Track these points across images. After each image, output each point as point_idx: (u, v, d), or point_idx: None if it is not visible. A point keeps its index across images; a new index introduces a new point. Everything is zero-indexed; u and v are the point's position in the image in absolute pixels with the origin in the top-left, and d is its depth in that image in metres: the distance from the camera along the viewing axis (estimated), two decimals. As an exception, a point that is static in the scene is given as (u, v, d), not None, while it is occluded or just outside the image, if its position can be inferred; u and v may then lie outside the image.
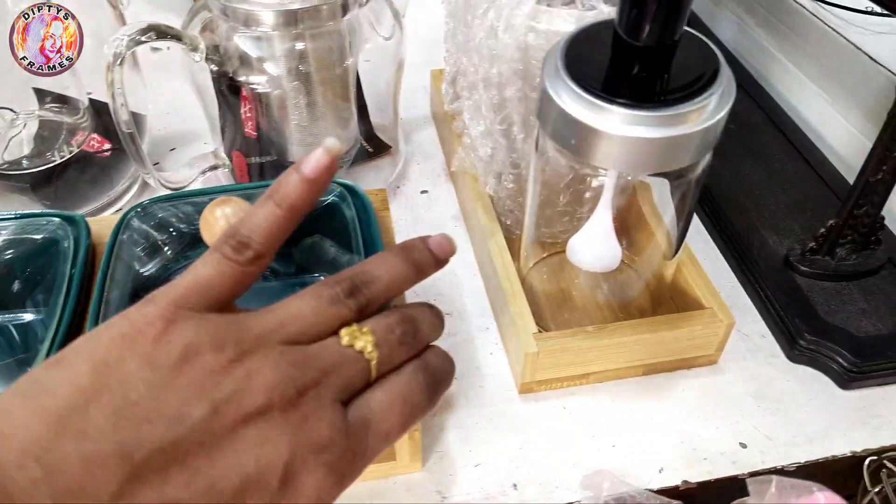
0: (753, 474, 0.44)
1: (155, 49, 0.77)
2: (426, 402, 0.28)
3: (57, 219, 0.44)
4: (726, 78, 0.37)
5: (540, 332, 0.47)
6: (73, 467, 0.20)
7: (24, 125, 0.61)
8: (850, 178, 0.50)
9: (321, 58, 0.53)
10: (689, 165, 0.39)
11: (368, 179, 0.63)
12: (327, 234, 0.45)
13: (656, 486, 0.44)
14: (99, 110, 0.61)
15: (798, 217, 0.58)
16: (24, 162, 0.58)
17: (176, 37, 0.50)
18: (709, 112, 0.36)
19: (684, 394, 0.49)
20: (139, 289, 0.43)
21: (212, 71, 0.53)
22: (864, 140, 0.63)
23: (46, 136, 0.61)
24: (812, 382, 0.50)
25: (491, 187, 0.55)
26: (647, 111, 0.35)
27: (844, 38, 0.65)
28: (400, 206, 0.64)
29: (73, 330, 0.39)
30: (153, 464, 0.20)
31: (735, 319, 0.49)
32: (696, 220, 0.62)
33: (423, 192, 0.65)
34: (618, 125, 0.36)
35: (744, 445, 0.46)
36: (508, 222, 0.56)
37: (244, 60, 0.52)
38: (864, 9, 0.64)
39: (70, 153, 0.59)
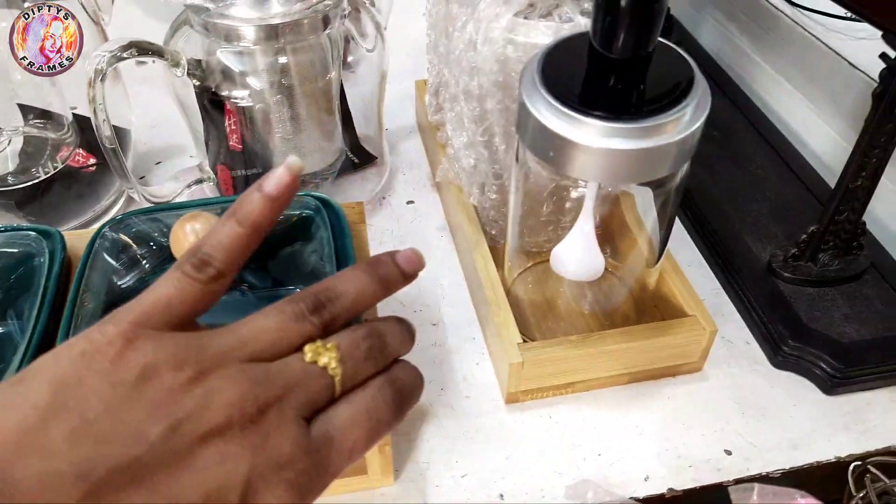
0: (739, 481, 0.45)
1: (140, 63, 0.78)
2: (392, 417, 0.28)
3: (33, 233, 0.44)
4: (701, 88, 0.37)
5: (525, 341, 0.47)
6: (29, 486, 0.20)
7: (9, 141, 0.61)
8: (833, 184, 0.51)
9: (303, 71, 0.53)
10: (667, 175, 0.40)
11: (354, 190, 0.64)
12: (301, 248, 0.45)
13: (642, 494, 0.44)
14: (83, 125, 0.61)
15: (781, 223, 0.59)
16: (10, 178, 0.58)
17: (157, 53, 0.50)
18: (685, 122, 0.36)
19: (669, 402, 0.49)
20: (116, 301, 0.43)
21: (195, 85, 0.53)
22: (846, 145, 0.63)
23: (31, 152, 0.61)
24: (796, 388, 0.50)
25: (475, 198, 0.55)
26: (623, 123, 0.35)
27: (825, 43, 0.65)
28: (386, 216, 0.64)
29: (45, 343, 0.39)
30: (111, 483, 0.21)
31: (718, 327, 0.49)
32: (680, 227, 0.62)
33: (410, 202, 0.65)
34: (595, 137, 0.36)
35: (729, 452, 0.46)
36: (493, 232, 0.56)
37: (227, 75, 0.52)
38: (844, 14, 0.65)
39: (55, 169, 0.59)
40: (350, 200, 0.51)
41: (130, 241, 0.44)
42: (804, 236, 0.53)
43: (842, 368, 0.49)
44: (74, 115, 0.61)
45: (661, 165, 0.38)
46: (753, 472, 0.45)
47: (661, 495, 0.44)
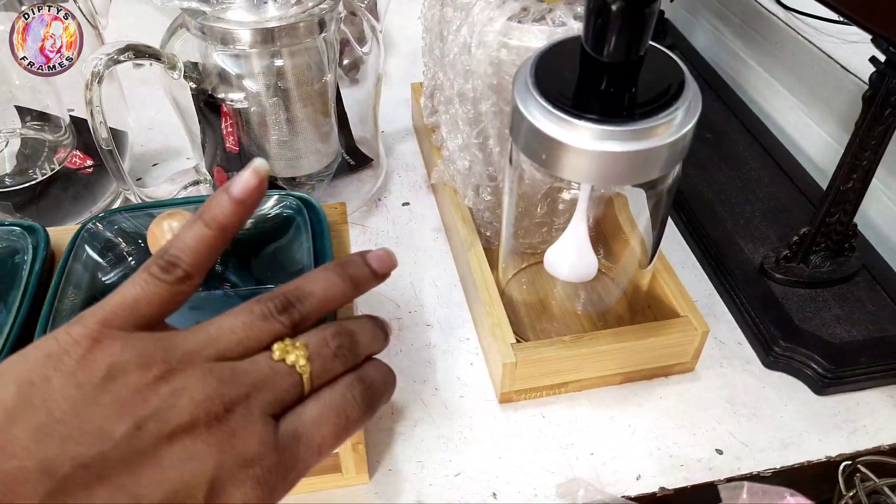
0: (730, 480, 0.45)
1: (138, 65, 0.78)
2: (360, 414, 0.28)
3: (17, 228, 0.45)
4: (692, 91, 0.38)
5: (518, 342, 0.47)
6: None
7: (6, 143, 0.61)
8: (825, 185, 0.51)
9: (299, 74, 0.54)
10: (659, 177, 0.40)
11: (350, 192, 0.64)
12: (282, 248, 0.46)
13: (634, 493, 0.45)
14: (80, 127, 0.61)
15: (773, 225, 0.59)
16: (7, 180, 0.59)
17: (154, 56, 0.50)
18: (676, 125, 0.37)
19: (662, 401, 0.50)
20: (99, 297, 0.43)
21: (191, 88, 0.53)
22: (837, 147, 0.64)
23: (28, 153, 0.61)
24: (787, 389, 0.51)
25: (470, 199, 0.56)
26: (615, 126, 0.36)
27: (817, 47, 0.66)
28: (381, 218, 0.64)
29: (24, 337, 0.39)
30: (76, 480, 0.21)
31: (711, 327, 0.49)
32: (673, 229, 0.63)
33: (405, 204, 0.66)
34: (587, 140, 0.36)
35: (720, 452, 0.47)
36: (488, 234, 0.57)
37: (223, 78, 0.53)
38: (836, 18, 0.65)
39: (52, 170, 0.60)
40: (348, 202, 0.52)
41: (116, 238, 0.44)
42: (796, 238, 0.54)
43: (832, 369, 0.49)
44: (72, 116, 0.62)
45: (653, 167, 0.38)
46: (745, 471, 0.46)
47: (653, 494, 0.45)
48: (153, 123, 0.74)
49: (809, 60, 0.67)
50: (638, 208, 0.48)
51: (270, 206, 0.46)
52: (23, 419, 0.21)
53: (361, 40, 0.58)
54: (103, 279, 0.43)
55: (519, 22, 0.45)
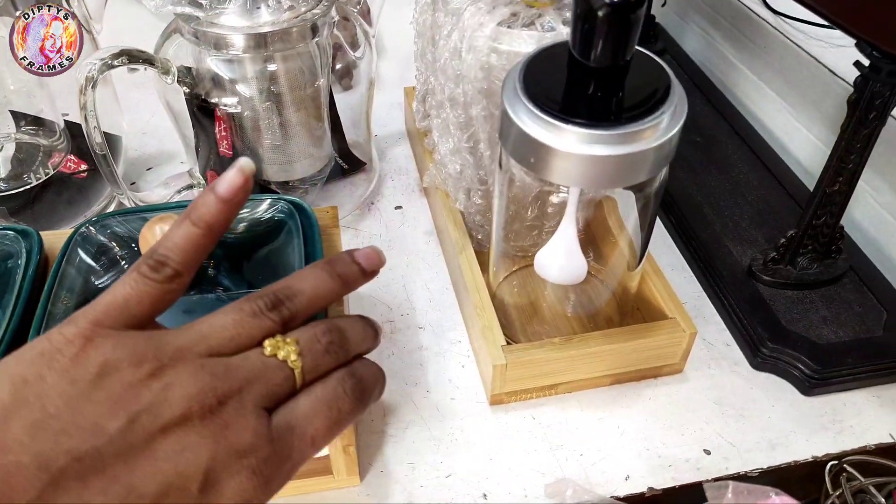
0: (717, 480, 0.46)
1: (132, 69, 0.78)
2: (352, 407, 0.28)
3: (11, 232, 0.45)
4: (678, 95, 0.38)
5: (509, 343, 0.48)
6: None
7: (1, 148, 0.61)
8: (813, 188, 0.52)
9: (292, 78, 0.54)
10: (646, 180, 0.41)
11: (343, 195, 0.64)
12: (274, 252, 0.46)
13: (623, 493, 0.45)
14: (74, 132, 0.62)
15: (761, 227, 0.60)
16: (2, 185, 0.59)
17: (148, 61, 0.51)
18: (662, 129, 0.37)
19: (650, 402, 0.50)
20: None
21: (185, 93, 0.54)
22: (825, 150, 0.65)
23: (23, 158, 0.61)
24: (775, 389, 0.51)
25: (461, 203, 0.56)
26: (602, 130, 0.36)
27: (805, 51, 0.67)
28: (374, 221, 0.65)
29: (18, 341, 0.39)
30: (71, 472, 0.21)
31: (699, 329, 0.50)
32: (663, 232, 0.63)
33: (398, 207, 0.66)
34: (575, 144, 0.37)
35: (708, 452, 0.47)
36: (479, 237, 0.57)
37: (216, 82, 0.53)
38: (823, 22, 0.66)
39: (47, 175, 0.60)
40: (341, 206, 0.52)
41: (110, 242, 0.45)
42: (783, 240, 0.55)
43: (819, 370, 0.50)
44: (66, 121, 0.62)
45: (640, 171, 0.39)
46: (732, 471, 0.46)
47: (641, 494, 0.45)
48: (147, 127, 0.74)
49: (797, 64, 0.68)
50: (627, 211, 0.49)
51: (263, 210, 0.47)
52: (17, 415, 0.22)
53: (354, 45, 0.59)
54: (96, 283, 0.44)
55: (509, 27, 0.45)
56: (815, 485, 0.47)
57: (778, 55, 0.71)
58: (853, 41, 0.44)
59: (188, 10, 0.51)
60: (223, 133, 0.56)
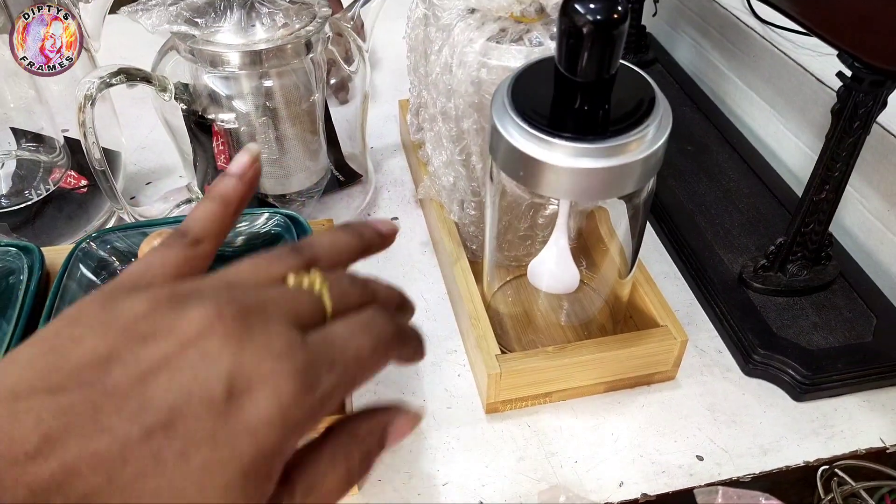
0: (709, 485, 0.46)
1: (131, 85, 0.79)
2: (392, 337, 0.25)
3: (13, 248, 0.46)
4: (663, 107, 0.39)
5: (503, 353, 0.49)
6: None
7: (2, 165, 0.62)
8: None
9: (288, 94, 0.55)
10: (634, 191, 0.41)
11: (340, 208, 0.65)
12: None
13: (617, 500, 0.46)
14: (74, 148, 0.63)
15: (752, 235, 0.61)
16: (3, 201, 0.60)
17: (145, 78, 0.52)
18: (648, 141, 0.38)
19: (644, 409, 0.51)
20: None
21: (182, 109, 0.55)
22: (813, 157, 0.65)
23: (24, 174, 0.62)
24: (766, 395, 0.52)
25: (455, 214, 0.57)
26: (590, 143, 0.37)
27: (793, 59, 0.67)
28: (370, 233, 0.65)
29: None
30: (81, 398, 0.20)
31: (691, 336, 0.51)
32: (655, 240, 0.64)
33: (394, 218, 0.67)
34: (563, 158, 0.38)
35: (700, 458, 0.48)
36: (474, 247, 0.58)
37: (213, 98, 0.54)
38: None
39: (47, 191, 0.61)
40: (337, 218, 0.53)
41: (110, 256, 0.46)
42: (773, 248, 0.55)
43: (810, 376, 0.51)
44: (66, 137, 0.63)
45: (628, 182, 0.40)
46: (725, 476, 0.47)
47: (635, 500, 0.46)
48: (146, 142, 0.75)
49: (786, 72, 0.69)
50: (618, 220, 0.49)
51: (260, 223, 0.48)
52: (38, 346, 0.21)
53: (349, 59, 0.60)
54: None
55: (498, 42, 0.46)
56: (807, 489, 0.48)
57: (766, 64, 0.71)
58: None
59: (184, 28, 0.51)
60: (221, 147, 0.57)
